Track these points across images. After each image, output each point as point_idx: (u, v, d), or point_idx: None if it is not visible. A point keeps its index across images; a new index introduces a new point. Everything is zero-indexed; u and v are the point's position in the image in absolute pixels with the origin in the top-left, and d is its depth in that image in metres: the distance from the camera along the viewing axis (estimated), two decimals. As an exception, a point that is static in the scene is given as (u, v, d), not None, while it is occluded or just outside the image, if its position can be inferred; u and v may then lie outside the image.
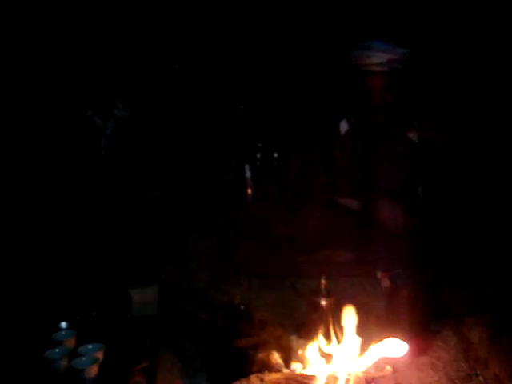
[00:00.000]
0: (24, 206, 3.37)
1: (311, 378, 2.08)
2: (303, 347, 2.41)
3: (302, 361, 2.24)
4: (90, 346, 2.24)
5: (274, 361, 2.14)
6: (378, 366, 2.16)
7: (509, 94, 3.56)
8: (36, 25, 3.93)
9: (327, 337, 2.44)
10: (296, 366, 2.20)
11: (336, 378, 2.07)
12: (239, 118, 4.56)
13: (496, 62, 3.55)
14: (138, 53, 4.08)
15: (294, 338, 2.46)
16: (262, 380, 2.00)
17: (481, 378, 2.29)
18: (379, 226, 3.29)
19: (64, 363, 2.16)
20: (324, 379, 2.08)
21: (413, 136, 3.42)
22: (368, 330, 2.53)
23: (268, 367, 2.12)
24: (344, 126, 3.48)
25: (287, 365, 2.18)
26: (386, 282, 2.86)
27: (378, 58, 3.22)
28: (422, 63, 3.55)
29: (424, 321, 2.48)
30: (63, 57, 3.84)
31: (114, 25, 3.79)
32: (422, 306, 2.47)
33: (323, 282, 2.52)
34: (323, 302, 2.48)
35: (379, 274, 2.95)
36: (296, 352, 2.35)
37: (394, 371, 2.23)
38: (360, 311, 2.62)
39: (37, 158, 3.51)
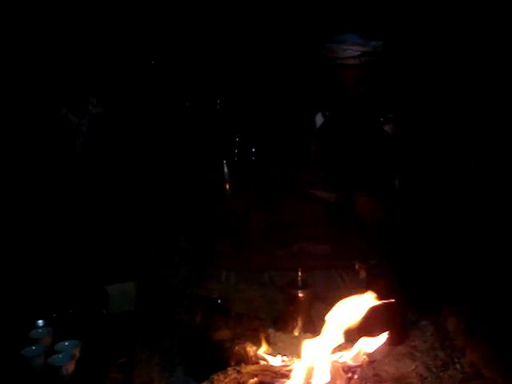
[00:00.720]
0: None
1: (288, 369, 2.09)
2: (281, 339, 2.44)
3: (279, 353, 2.25)
4: (66, 343, 2.22)
5: (251, 353, 2.14)
6: (355, 356, 2.16)
7: (482, 86, 3.59)
8: (9, 21, 3.89)
9: (304, 329, 2.46)
10: (273, 358, 2.20)
11: (313, 370, 2.08)
12: (216, 114, 4.56)
13: (469, 51, 3.58)
14: (113, 48, 4.06)
15: (271, 331, 2.48)
16: (239, 372, 2.00)
17: (458, 365, 2.31)
18: (356, 219, 3.31)
19: (41, 361, 2.14)
20: (301, 371, 2.09)
21: (388, 128, 3.44)
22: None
23: (245, 359, 2.12)
24: (319, 119, 3.49)
25: (264, 357, 2.18)
26: (362, 274, 2.88)
27: (352, 51, 3.24)
28: (396, 56, 3.57)
29: (401, 311, 2.49)
30: (37, 53, 3.80)
31: (87, 21, 3.77)
32: (398, 296, 2.48)
33: (300, 274, 2.53)
34: (300, 295, 2.50)
35: (356, 266, 2.97)
36: (273, 344, 2.36)
37: (372, 361, 2.24)
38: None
39: (11, 156, 3.48)
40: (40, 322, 2.41)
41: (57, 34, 3.56)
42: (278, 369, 2.08)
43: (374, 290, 2.48)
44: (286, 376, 2.07)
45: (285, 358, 2.20)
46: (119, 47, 4.18)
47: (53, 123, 3.56)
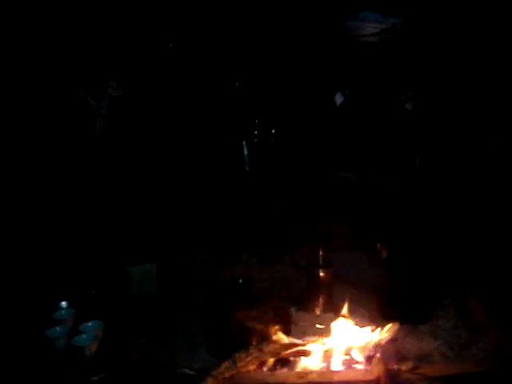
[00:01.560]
0: (21, 188, 3.37)
1: (309, 348, 2.10)
2: (302, 319, 2.44)
3: (301, 332, 2.26)
4: (89, 324, 2.24)
5: (272, 332, 2.15)
6: (376, 334, 2.16)
7: (505, 62, 3.53)
8: (27, 6, 3.90)
9: (325, 308, 2.46)
10: (295, 337, 2.20)
11: (334, 348, 2.08)
12: (235, 95, 4.54)
13: (490, 28, 3.52)
14: (131, 31, 4.05)
15: (293, 310, 2.48)
16: (260, 351, 2.01)
17: (481, 344, 2.30)
18: (377, 199, 3.29)
19: (64, 341, 2.16)
20: (323, 350, 2.09)
21: (408, 106, 3.41)
22: (366, 302, 2.57)
23: (267, 339, 2.13)
24: (339, 99, 3.47)
25: (286, 336, 2.18)
26: (384, 254, 2.87)
27: (371, 28, 3.22)
28: (416, 33, 3.52)
29: (422, 290, 2.48)
30: (57, 37, 3.81)
31: (106, 4, 3.76)
32: (419, 275, 2.47)
33: (321, 254, 2.53)
34: (321, 274, 2.49)
35: (378, 246, 2.96)
36: (295, 323, 2.36)
37: (394, 339, 2.24)
38: (359, 283, 2.66)
39: (32, 141, 3.50)
40: (63, 303, 2.43)
41: (77, 18, 3.56)
42: (299, 347, 2.08)
43: (394, 270, 2.50)
44: (307, 354, 2.08)
45: (307, 337, 2.21)
46: (138, 30, 4.17)
47: (72, 107, 3.57)
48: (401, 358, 2.17)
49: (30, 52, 3.79)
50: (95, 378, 2.02)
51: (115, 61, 3.63)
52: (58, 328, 2.22)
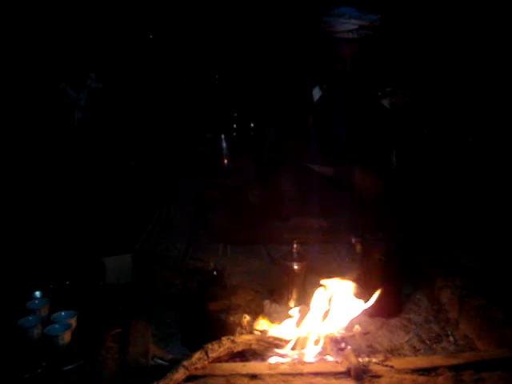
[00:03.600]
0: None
1: (282, 339, 2.11)
2: (276, 311, 2.46)
3: (273, 323, 2.27)
4: (62, 313, 2.24)
5: (245, 324, 2.16)
6: (347, 326, 2.19)
7: (480, 58, 3.57)
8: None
9: (299, 300, 2.48)
10: (267, 329, 2.22)
11: (306, 340, 2.10)
12: (214, 88, 4.55)
13: (465, 23, 3.56)
14: (111, 23, 4.04)
15: (267, 302, 2.50)
16: (233, 341, 2.02)
17: (451, 338, 2.33)
18: (352, 193, 3.32)
19: (37, 330, 2.16)
20: (294, 341, 2.11)
21: (385, 102, 3.43)
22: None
23: (240, 330, 2.14)
24: (317, 93, 3.49)
25: (258, 327, 2.20)
26: (358, 248, 2.90)
27: (349, 24, 3.23)
28: (393, 29, 3.55)
29: (395, 284, 2.51)
30: (36, 29, 3.79)
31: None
32: (393, 269, 2.50)
33: (295, 247, 2.54)
34: (295, 267, 2.51)
35: (353, 240, 2.99)
36: (268, 315, 2.38)
37: (366, 333, 2.27)
38: (333, 276, 2.67)
39: (10, 130, 3.49)
40: (37, 293, 2.42)
41: (56, 10, 3.55)
42: (271, 339, 2.10)
43: (369, 263, 2.52)
44: (279, 346, 2.10)
45: (278, 328, 2.22)
46: (117, 22, 4.16)
47: (51, 98, 3.56)
48: (372, 350, 2.20)
49: (9, 43, 3.76)
50: (68, 367, 2.03)
51: (95, 52, 3.62)
52: (31, 317, 2.22)
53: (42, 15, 3.67)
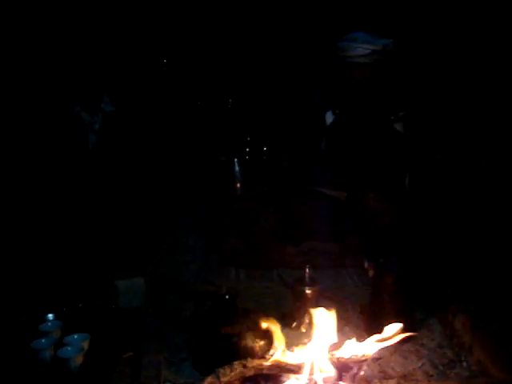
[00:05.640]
0: (12, 201, 3.38)
1: (294, 364, 2.10)
2: (287, 335, 2.44)
3: (286, 348, 2.26)
4: (75, 336, 2.25)
5: (257, 348, 2.16)
6: (361, 352, 2.17)
7: (493, 85, 3.58)
8: (22, 21, 3.92)
9: (311, 325, 2.46)
10: (279, 353, 2.21)
11: (319, 365, 2.09)
12: (227, 112, 4.57)
13: (479, 47, 3.56)
14: (126, 47, 4.09)
15: (279, 327, 2.49)
16: (244, 366, 2.01)
17: (465, 363, 2.31)
18: (365, 217, 3.31)
19: (50, 353, 2.17)
20: (307, 367, 2.10)
21: (398, 127, 3.44)
22: (353, 319, 2.59)
23: (251, 354, 2.14)
24: (330, 117, 3.50)
25: (271, 352, 2.19)
26: (371, 272, 2.88)
27: (362, 49, 3.24)
28: (406, 54, 3.57)
29: (408, 309, 2.50)
30: (50, 53, 3.84)
31: (100, 21, 3.80)
32: (406, 294, 2.48)
33: (308, 271, 2.54)
34: (307, 291, 2.50)
35: (366, 264, 2.97)
36: (281, 340, 2.37)
37: (378, 358, 2.25)
38: (346, 301, 2.67)
39: (24, 153, 3.52)
40: (50, 315, 2.43)
41: (69, 34, 3.59)
42: (283, 364, 2.09)
43: (381, 288, 2.51)
44: (291, 371, 2.08)
45: (291, 353, 2.21)
46: (132, 46, 4.20)
47: (65, 121, 3.59)
48: (384, 376, 2.19)
49: (25, 66, 3.81)
50: None
51: (109, 76, 3.66)
52: (43, 340, 2.23)
53: (59, 40, 3.72)
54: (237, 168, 4.04)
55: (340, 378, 2.07)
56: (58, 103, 3.64)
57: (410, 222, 3.22)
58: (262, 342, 2.19)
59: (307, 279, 2.53)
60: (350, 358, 2.12)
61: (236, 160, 4.06)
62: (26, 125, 3.59)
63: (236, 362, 2.02)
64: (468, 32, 3.56)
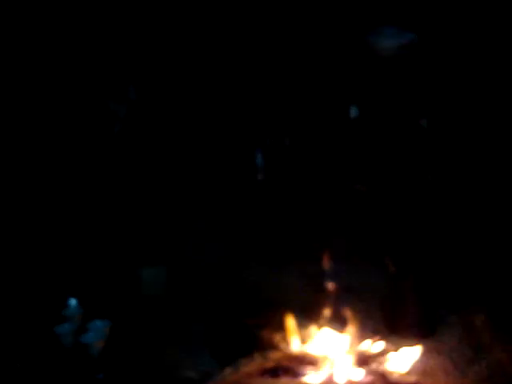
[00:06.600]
0: (38, 189, 3.40)
1: (314, 357, 2.11)
2: (308, 329, 2.45)
3: (306, 342, 2.27)
4: (97, 322, 2.28)
5: (277, 340, 2.17)
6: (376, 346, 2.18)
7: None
8: (50, 11, 3.94)
9: (332, 319, 2.47)
10: (300, 347, 2.22)
11: (337, 358, 2.10)
12: (250, 103, 4.56)
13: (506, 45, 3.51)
14: (152, 37, 4.09)
15: (300, 320, 2.49)
16: (264, 358, 2.03)
17: (484, 362, 2.30)
18: (387, 211, 3.30)
19: (72, 338, 2.20)
20: (326, 360, 2.11)
21: (423, 122, 3.42)
22: (373, 314, 2.59)
23: (272, 346, 2.15)
24: (354, 112, 3.49)
25: (291, 345, 2.20)
26: (392, 268, 2.88)
27: (389, 43, 3.23)
28: (432, 49, 3.53)
29: (429, 306, 2.50)
30: (77, 43, 3.85)
31: (129, 11, 3.80)
32: (427, 292, 2.48)
33: (329, 265, 2.54)
34: (328, 285, 2.50)
35: (386, 260, 2.97)
36: (301, 333, 2.38)
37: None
38: (366, 296, 2.67)
39: (50, 142, 3.54)
40: (73, 300, 2.46)
41: (97, 23, 3.61)
42: (303, 357, 2.10)
43: (402, 287, 2.51)
44: (311, 364, 2.09)
45: (311, 347, 2.22)
46: (158, 36, 4.20)
47: (92, 110, 3.61)
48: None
49: (53, 56, 3.83)
50: (101, 376, 2.05)
51: (135, 65, 3.67)
52: (66, 325, 2.26)
53: (88, 34, 3.73)
54: (259, 160, 4.03)
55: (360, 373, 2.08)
56: (85, 92, 3.66)
57: (432, 219, 3.20)
58: (283, 335, 2.19)
59: (328, 273, 2.53)
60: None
61: (258, 152, 4.05)
62: (52, 115, 3.61)
63: (256, 354, 2.04)
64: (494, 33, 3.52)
